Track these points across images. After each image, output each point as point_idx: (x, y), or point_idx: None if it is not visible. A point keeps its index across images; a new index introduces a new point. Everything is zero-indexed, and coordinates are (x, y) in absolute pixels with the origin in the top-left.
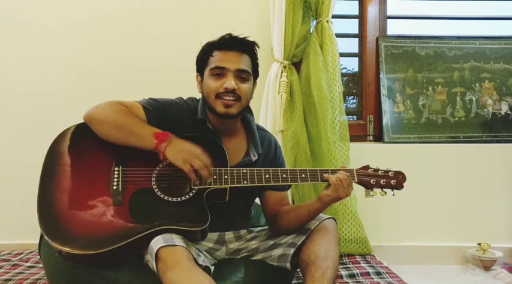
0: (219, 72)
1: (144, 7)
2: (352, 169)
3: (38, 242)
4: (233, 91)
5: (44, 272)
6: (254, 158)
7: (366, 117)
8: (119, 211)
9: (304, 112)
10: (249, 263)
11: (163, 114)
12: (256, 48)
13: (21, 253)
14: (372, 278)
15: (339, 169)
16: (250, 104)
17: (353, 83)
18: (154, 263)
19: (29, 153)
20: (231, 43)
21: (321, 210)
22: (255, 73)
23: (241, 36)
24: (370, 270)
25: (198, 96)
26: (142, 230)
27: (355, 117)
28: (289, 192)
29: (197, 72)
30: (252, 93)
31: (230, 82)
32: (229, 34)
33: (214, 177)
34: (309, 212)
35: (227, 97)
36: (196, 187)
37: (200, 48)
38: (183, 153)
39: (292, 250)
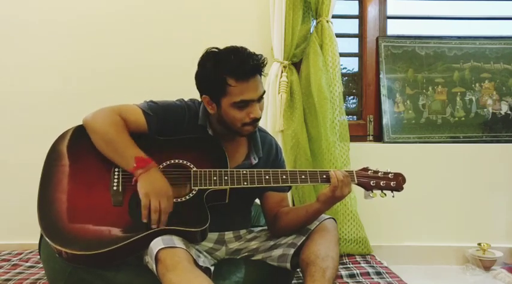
0: (244, 105)
1: (144, 7)
2: (352, 171)
3: (38, 242)
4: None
5: (44, 272)
6: (254, 161)
7: (366, 117)
8: (119, 212)
9: (304, 112)
10: (249, 263)
11: (163, 117)
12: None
13: (21, 253)
14: (372, 278)
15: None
16: None
17: (353, 83)
18: (154, 265)
19: (29, 153)
20: (248, 70)
21: (320, 211)
22: None
23: (254, 57)
24: (370, 270)
25: (198, 96)
26: (142, 231)
27: (355, 117)
28: (289, 194)
29: (205, 94)
30: None
31: (257, 112)
32: (242, 56)
33: (215, 178)
34: (307, 212)
35: (254, 123)
36: (197, 188)
37: (203, 54)
38: (151, 186)
39: (292, 250)
